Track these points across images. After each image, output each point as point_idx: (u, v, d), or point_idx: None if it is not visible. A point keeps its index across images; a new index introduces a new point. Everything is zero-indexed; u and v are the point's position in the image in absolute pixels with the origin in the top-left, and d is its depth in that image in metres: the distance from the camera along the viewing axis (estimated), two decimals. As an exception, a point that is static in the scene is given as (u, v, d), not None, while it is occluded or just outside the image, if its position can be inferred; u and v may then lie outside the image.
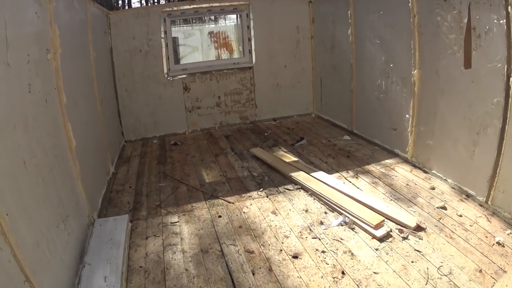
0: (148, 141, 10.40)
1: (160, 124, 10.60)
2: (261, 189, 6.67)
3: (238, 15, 10.96)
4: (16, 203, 3.23)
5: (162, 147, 9.72)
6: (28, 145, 3.78)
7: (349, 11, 8.72)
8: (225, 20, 12.58)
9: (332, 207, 5.76)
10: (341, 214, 5.53)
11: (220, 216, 5.87)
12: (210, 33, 11.68)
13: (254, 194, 6.55)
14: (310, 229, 5.28)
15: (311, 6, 10.90)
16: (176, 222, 5.80)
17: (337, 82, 10.02)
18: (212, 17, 12.73)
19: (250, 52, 10.86)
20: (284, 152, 8.27)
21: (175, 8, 10.20)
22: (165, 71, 10.29)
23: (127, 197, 6.84)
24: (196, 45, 11.50)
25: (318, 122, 10.95)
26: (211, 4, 10.43)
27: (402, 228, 5.08)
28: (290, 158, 7.76)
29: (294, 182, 6.76)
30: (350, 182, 6.63)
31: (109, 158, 7.96)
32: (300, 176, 6.74)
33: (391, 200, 5.88)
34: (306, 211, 5.79)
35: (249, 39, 10.76)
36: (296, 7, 10.98)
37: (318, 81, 11.13)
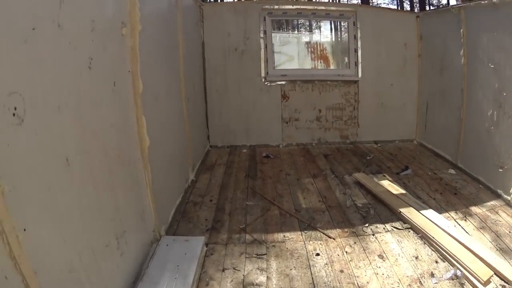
0: (236, 149, 9.47)
1: (252, 132, 9.63)
2: (367, 225, 5.46)
3: (338, 26, 10.06)
4: (43, 213, 2.34)
5: (252, 158, 8.72)
6: (77, 136, 2.87)
7: (461, 30, 7.51)
8: (319, 31, 11.68)
9: (444, 255, 4.72)
10: (452, 265, 4.55)
11: (318, 254, 4.72)
12: (307, 43, 10.58)
13: (359, 229, 5.35)
14: (420, 282, 4.21)
15: (418, 21, 9.65)
16: (264, 254, 4.70)
17: (445, 108, 8.64)
18: (308, 27, 11.69)
19: (356, 64, 9.61)
20: (390, 181, 7.08)
21: (276, 7, 9.24)
22: (263, 75, 9.32)
23: (206, 213, 5.84)
24: (292, 54, 10.42)
25: (421, 150, 9.50)
26: (316, 7, 9.47)
27: (505, 284, 4.20)
28: (397, 189, 6.62)
29: (403, 219, 5.62)
30: (459, 224, 5.52)
31: (190, 163, 7.09)
32: (410, 213, 5.63)
33: (497, 250, 4.82)
34: (416, 258, 4.69)
35: (355, 50, 9.57)
36: (403, 21, 9.80)
37: (424, 105, 9.70)
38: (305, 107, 9.57)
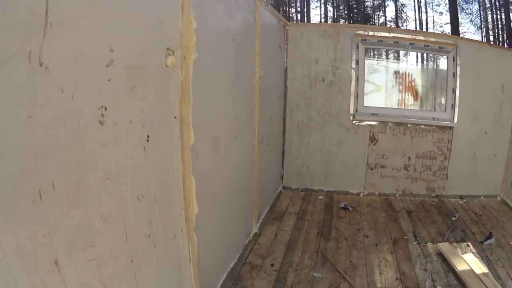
0: (312, 194, 8.23)
1: (332, 176, 8.36)
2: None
3: (425, 55, 8.67)
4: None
5: (328, 209, 7.47)
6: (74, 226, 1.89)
7: None
8: (406, 60, 10.45)
9: None
10: None
11: None
12: (396, 72, 9.32)
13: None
14: None
15: None
16: None
17: None
18: (397, 54, 10.48)
19: (452, 107, 8.30)
20: (474, 254, 5.84)
21: (371, 33, 7.99)
22: (351, 111, 8.05)
23: (263, 282, 4.70)
24: (380, 84, 9.15)
25: (504, 210, 8.02)
26: (414, 37, 8.17)
27: None
28: (480, 267, 5.41)
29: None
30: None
31: (255, 214, 5.94)
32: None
33: None
34: None
35: (453, 91, 8.19)
36: (502, 58, 8.26)
37: None
38: (394, 153, 8.26)
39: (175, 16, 2.95)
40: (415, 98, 9.20)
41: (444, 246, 5.94)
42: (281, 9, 46.55)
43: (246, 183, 5.43)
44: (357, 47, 7.94)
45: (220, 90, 4.03)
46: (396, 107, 8.91)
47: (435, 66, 9.10)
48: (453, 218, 7.30)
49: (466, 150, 8.35)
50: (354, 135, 8.12)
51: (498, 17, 40.33)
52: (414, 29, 43.74)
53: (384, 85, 9.09)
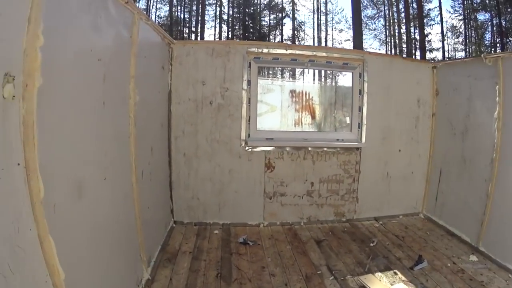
0: (206, 228, 7.73)
1: (227, 208, 7.93)
2: None
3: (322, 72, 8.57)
4: None
5: (226, 244, 6.96)
6: None
7: (497, 86, 6.42)
8: (303, 78, 10.77)
9: None
10: None
11: None
12: (292, 91, 9.06)
13: None
14: None
15: (435, 72, 8.41)
16: None
17: (466, 179, 7.39)
18: (292, 73, 11.18)
19: (359, 126, 8.16)
20: (405, 283, 5.62)
21: (265, 50, 7.76)
22: (243, 137, 7.70)
23: None
24: (275, 104, 8.90)
25: (431, 227, 8.12)
26: (315, 53, 7.91)
27: None
28: None
29: None
30: None
31: (143, 258, 5.37)
32: None
33: None
34: None
35: (360, 109, 8.15)
36: (417, 72, 8.49)
37: (436, 173, 8.44)
38: (294, 180, 7.97)
39: (20, 30, 2.38)
40: (313, 117, 9.00)
41: (367, 279, 5.69)
42: (174, 29, 46.89)
43: (127, 226, 4.84)
44: (249, 66, 7.64)
45: (79, 123, 3.38)
46: (293, 127, 8.68)
47: (333, 83, 8.97)
48: (371, 244, 7.09)
49: (377, 170, 8.48)
50: (248, 163, 7.78)
51: (405, 30, 43.74)
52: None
53: (279, 105, 8.84)
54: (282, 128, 8.66)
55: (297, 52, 7.83)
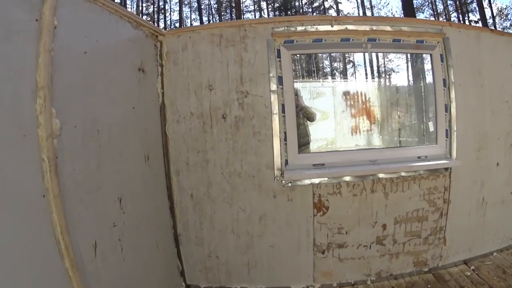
0: (233, 295, 4.58)
1: (259, 268, 4.56)
2: None
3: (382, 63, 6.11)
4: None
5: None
6: None
7: None
8: (355, 75, 7.75)
9: None
10: None
11: None
12: (346, 93, 6.35)
13: None
14: None
15: None
16: None
17: None
18: (343, 70, 7.76)
19: (447, 135, 4.76)
20: None
21: (300, 28, 4.35)
22: (278, 165, 4.32)
23: None
24: (325, 110, 6.28)
25: None
26: (375, 27, 4.49)
27: None
28: None
29: None
30: None
31: None
32: None
33: None
34: None
35: (446, 108, 4.72)
36: (510, 50, 5.11)
37: None
38: (358, 223, 4.53)
39: None
40: (372, 122, 6.18)
41: None
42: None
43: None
44: (279, 55, 4.29)
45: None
46: (350, 135, 5.97)
47: (432, 77, 5.36)
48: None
49: (471, 196, 5.01)
50: (287, 204, 4.40)
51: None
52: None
53: (332, 110, 6.11)
54: (338, 139, 6.10)
55: (350, 27, 4.40)
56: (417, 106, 5.79)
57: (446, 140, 4.77)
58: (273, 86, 4.25)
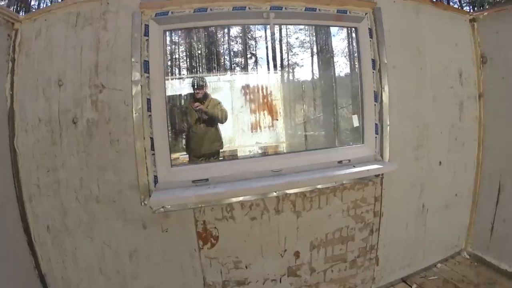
0: None
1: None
2: None
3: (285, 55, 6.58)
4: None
5: None
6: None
7: None
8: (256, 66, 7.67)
9: None
10: None
11: None
12: (245, 87, 5.69)
13: None
14: None
15: (477, 28, 4.12)
16: None
17: None
18: (246, 60, 7.92)
19: (377, 130, 3.51)
20: None
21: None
22: (144, 185, 2.90)
23: None
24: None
25: (484, 275, 3.97)
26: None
27: None
28: None
29: None
30: None
31: None
32: None
33: None
34: None
35: (377, 97, 3.49)
36: (454, 27, 4.06)
37: (491, 190, 4.13)
38: (261, 253, 3.21)
39: None
40: (274, 118, 5.64)
41: None
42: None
43: None
44: (146, 33, 2.96)
45: None
46: (250, 133, 5.31)
47: (358, 56, 3.93)
48: None
49: (408, 204, 3.90)
50: (163, 236, 3.04)
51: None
52: None
53: (230, 107, 5.37)
54: (237, 137, 5.33)
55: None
56: (327, 98, 4.67)
57: (376, 137, 3.52)
58: (136, 75, 2.88)
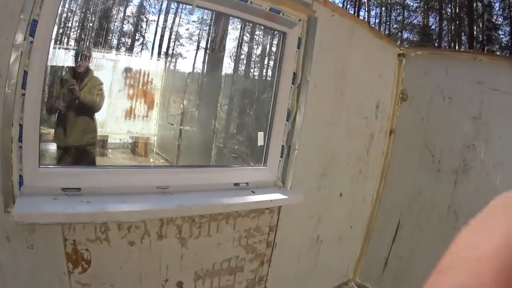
0: None
1: None
2: None
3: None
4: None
5: None
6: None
7: None
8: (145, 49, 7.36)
9: None
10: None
11: None
12: (128, 70, 5.27)
13: None
14: None
15: (403, 65, 4.15)
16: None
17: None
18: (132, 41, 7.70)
19: (283, 153, 3.21)
20: None
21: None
22: (8, 188, 2.22)
23: None
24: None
25: None
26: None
27: None
28: None
29: None
30: None
31: None
32: None
33: None
34: None
35: (289, 115, 3.18)
36: (382, 57, 4.01)
37: (389, 226, 4.26)
38: (139, 282, 2.72)
39: None
40: (150, 107, 5.52)
41: None
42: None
43: None
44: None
45: None
46: (124, 120, 5.12)
47: (278, 67, 3.50)
48: None
49: (304, 235, 3.75)
50: (28, 253, 2.36)
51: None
52: None
53: (108, 90, 5.00)
54: (109, 123, 5.02)
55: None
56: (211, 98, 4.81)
57: (281, 160, 3.21)
58: (19, 37, 2.13)
